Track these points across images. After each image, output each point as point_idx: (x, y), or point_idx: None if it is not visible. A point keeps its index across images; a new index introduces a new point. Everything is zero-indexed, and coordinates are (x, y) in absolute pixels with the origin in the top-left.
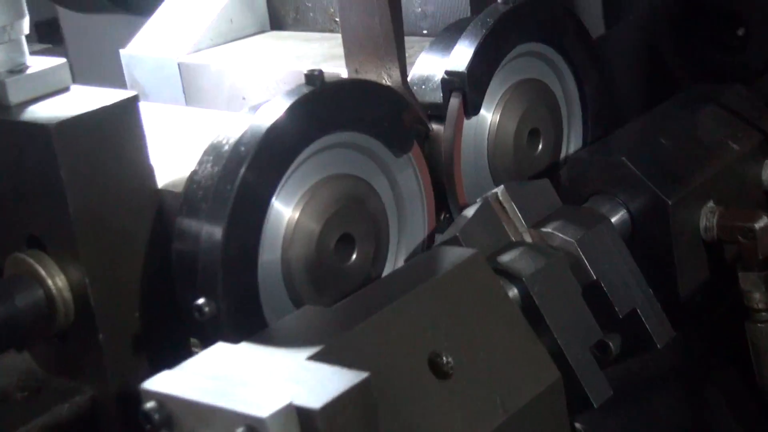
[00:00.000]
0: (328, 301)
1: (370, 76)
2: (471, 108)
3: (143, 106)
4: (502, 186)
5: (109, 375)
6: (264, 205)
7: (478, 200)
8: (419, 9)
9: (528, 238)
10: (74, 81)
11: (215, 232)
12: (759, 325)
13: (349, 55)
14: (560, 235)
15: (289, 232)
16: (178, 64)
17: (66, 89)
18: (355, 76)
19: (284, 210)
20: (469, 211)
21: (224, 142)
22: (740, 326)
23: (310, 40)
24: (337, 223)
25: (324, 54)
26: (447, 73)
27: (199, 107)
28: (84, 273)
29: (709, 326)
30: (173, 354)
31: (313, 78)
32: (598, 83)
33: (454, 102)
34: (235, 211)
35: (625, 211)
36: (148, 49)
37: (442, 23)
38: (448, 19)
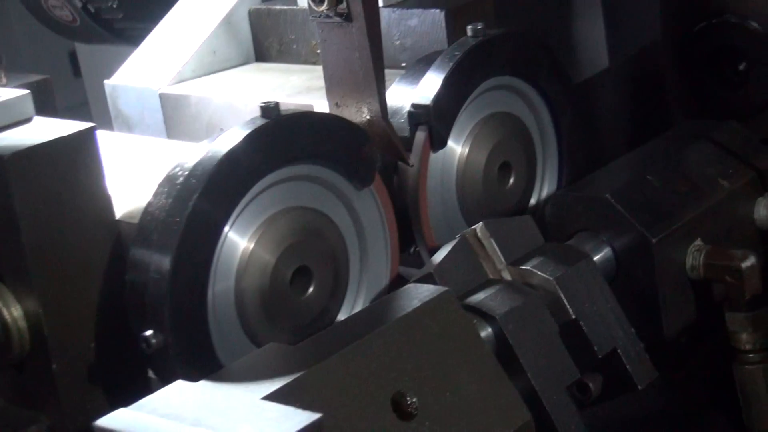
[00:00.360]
0: (283, 333)
1: (351, 109)
2: (437, 141)
3: (112, 137)
4: (481, 222)
5: (63, 404)
6: (215, 237)
7: (457, 236)
8: (398, 42)
9: (507, 276)
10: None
11: (163, 263)
12: (746, 366)
13: (330, 89)
14: (539, 272)
15: (243, 263)
16: (159, 95)
17: (28, 120)
18: (335, 109)
19: (239, 240)
20: (446, 248)
21: (179, 173)
22: (727, 368)
23: (291, 72)
24: (294, 255)
25: (301, 86)
26: (413, 106)
27: (179, 138)
28: (38, 303)
29: (695, 367)
30: (130, 385)
31: (269, 110)
32: (574, 118)
33: (420, 135)
34: (183, 243)
35: (609, 249)
36: (131, 80)
37: (421, 56)
38: (427, 51)
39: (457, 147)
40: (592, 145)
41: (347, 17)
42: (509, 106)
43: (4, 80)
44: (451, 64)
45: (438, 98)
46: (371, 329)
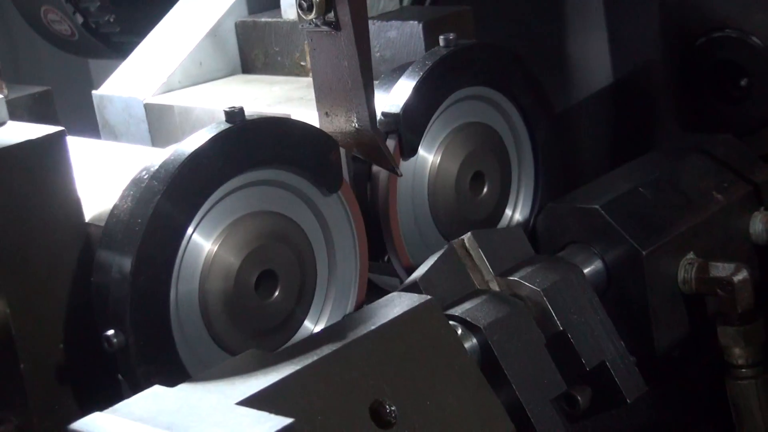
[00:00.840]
0: (248, 336)
1: (340, 119)
2: (407, 149)
3: (90, 144)
4: (469, 233)
5: (31, 405)
6: (178, 238)
7: (445, 246)
8: (378, 53)
9: (495, 287)
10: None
11: (125, 263)
12: (739, 381)
13: (320, 98)
14: (527, 283)
15: (207, 265)
16: (144, 105)
17: (1, 124)
18: (325, 118)
19: (203, 243)
20: (433, 258)
21: (144, 176)
22: (719, 382)
23: (275, 83)
24: (259, 259)
25: (282, 96)
26: (383, 114)
27: (164, 146)
28: (5, 304)
29: (686, 382)
30: (99, 386)
31: (233, 115)
32: (550, 127)
33: (390, 143)
34: (145, 244)
35: (600, 261)
36: (118, 90)
37: None
38: (405, 62)
39: (429, 156)
40: (572, 157)
41: (336, 26)
42: (483, 116)
43: (5, 90)
44: (422, 73)
45: (407, 106)
46: (352, 336)
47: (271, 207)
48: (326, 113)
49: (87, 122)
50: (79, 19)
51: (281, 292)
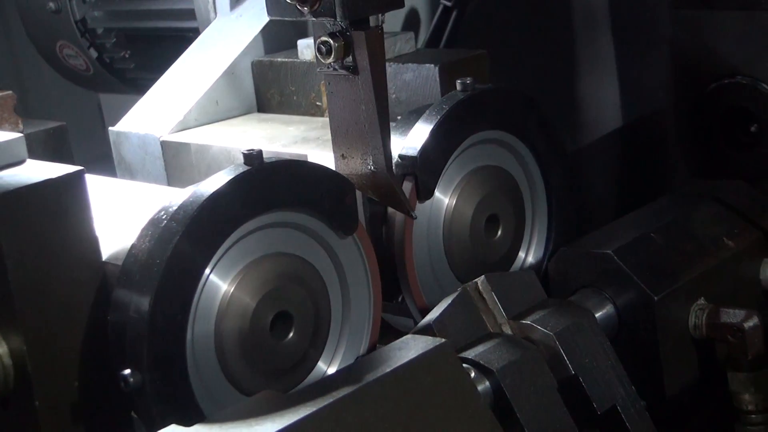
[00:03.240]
0: (262, 377)
1: (356, 161)
2: (424, 192)
3: (106, 182)
4: (483, 276)
5: None
6: (196, 279)
7: (458, 289)
8: (394, 95)
9: (507, 330)
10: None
11: (143, 303)
12: (749, 427)
13: (336, 140)
14: (540, 327)
15: (223, 306)
16: (161, 142)
17: (21, 162)
18: (341, 160)
19: (220, 283)
20: (447, 300)
21: (163, 216)
22: (729, 429)
23: (290, 123)
24: (274, 300)
25: (298, 136)
26: (400, 156)
27: (179, 185)
28: (23, 341)
29: (696, 427)
30: (112, 424)
31: (251, 157)
32: (563, 171)
33: (407, 185)
34: (163, 284)
35: (612, 305)
36: (135, 127)
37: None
38: (421, 105)
39: (444, 198)
40: (583, 201)
41: (354, 70)
42: (498, 160)
43: (21, 127)
44: (439, 116)
45: (425, 149)
46: (367, 379)
47: (287, 249)
48: (342, 155)
49: (97, 157)
50: (94, 54)
51: (296, 333)
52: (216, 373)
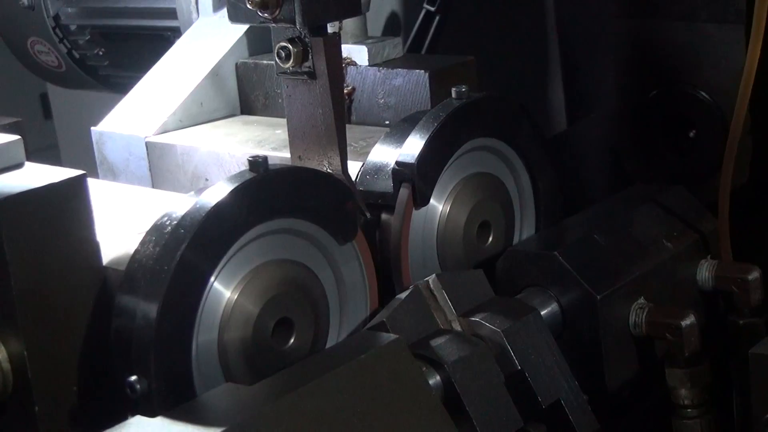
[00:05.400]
0: None
1: (313, 163)
2: (420, 199)
3: (99, 184)
4: (433, 275)
5: None
6: (201, 286)
7: (410, 287)
8: (382, 100)
9: (457, 327)
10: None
11: (150, 310)
12: (685, 421)
13: (293, 142)
14: (488, 324)
15: (227, 314)
16: (146, 143)
17: (19, 165)
18: (298, 162)
19: (224, 291)
20: (400, 298)
21: (167, 223)
22: (667, 421)
23: (276, 125)
24: (276, 306)
25: (285, 140)
26: (397, 163)
27: (164, 186)
28: (23, 346)
29: (635, 420)
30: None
31: (257, 164)
32: (552, 179)
33: (404, 192)
34: (171, 291)
35: (556, 304)
36: (118, 127)
37: (404, 114)
38: (409, 110)
39: (438, 205)
40: (569, 206)
41: (312, 75)
42: (490, 167)
43: None
44: (436, 124)
45: (422, 157)
46: (324, 373)
47: (289, 255)
48: (299, 157)
49: (39, 149)
50: (65, 50)
51: (296, 339)
52: (219, 379)
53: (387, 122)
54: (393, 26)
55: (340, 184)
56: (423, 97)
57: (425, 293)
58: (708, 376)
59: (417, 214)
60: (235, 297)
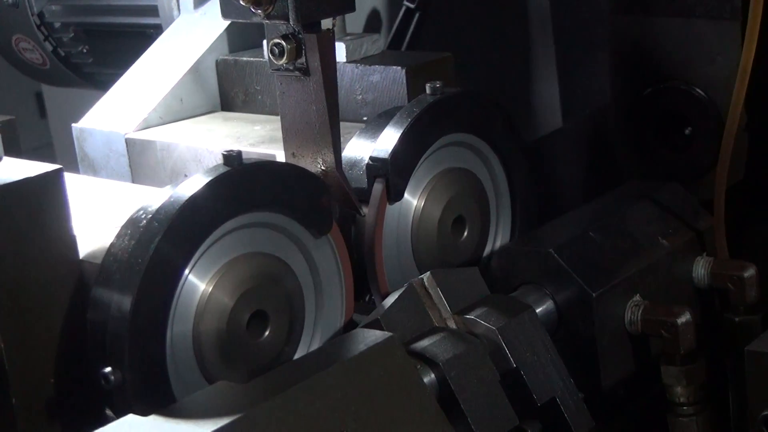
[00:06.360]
0: (239, 375)
1: (306, 160)
2: (394, 194)
3: (79, 179)
4: (428, 272)
5: None
6: (176, 279)
7: (405, 285)
8: (360, 97)
9: (452, 325)
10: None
11: (124, 302)
12: (680, 419)
13: (287, 139)
14: (483, 322)
15: (201, 306)
16: (126, 139)
17: None
18: (292, 159)
19: (198, 283)
20: (394, 295)
21: (143, 216)
22: (662, 419)
23: (256, 122)
24: (251, 299)
25: (264, 136)
26: (371, 158)
27: (143, 182)
28: None
29: (631, 418)
30: (87, 421)
31: (231, 159)
32: (527, 174)
33: (377, 187)
34: (145, 283)
35: (552, 301)
36: (99, 123)
37: (382, 110)
38: (387, 107)
39: (413, 200)
40: (546, 202)
41: (305, 71)
42: (464, 162)
43: None
44: (410, 119)
45: (395, 152)
46: (317, 371)
47: (264, 248)
48: (293, 154)
49: (35, 148)
50: (50, 48)
51: (271, 332)
52: (194, 371)
53: (365, 118)
54: (374, 23)
55: (314, 178)
56: (400, 93)
57: (420, 291)
58: (704, 373)
59: (391, 209)
60: (210, 289)
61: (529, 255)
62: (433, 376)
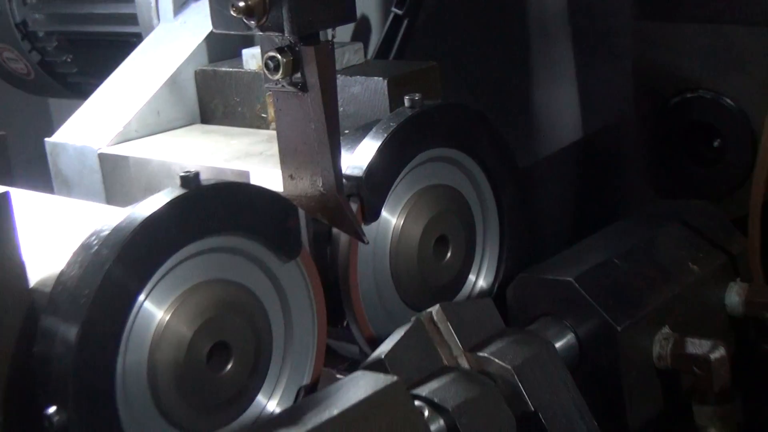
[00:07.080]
0: (197, 411)
1: (305, 182)
2: (369, 213)
3: (38, 198)
4: (437, 305)
5: None
6: (128, 306)
7: (412, 319)
8: (341, 109)
9: (463, 363)
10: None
11: (69, 334)
12: None
13: (284, 161)
14: (497, 360)
15: (157, 335)
16: (99, 155)
17: None
18: (290, 181)
19: (155, 311)
20: (400, 332)
21: (94, 241)
22: None
23: (233, 135)
24: (212, 329)
25: (240, 151)
26: (345, 176)
27: (118, 200)
28: None
29: None
30: None
31: (188, 180)
32: (516, 191)
33: (352, 206)
34: (92, 313)
35: (573, 335)
36: (72, 138)
37: (363, 123)
38: (369, 119)
39: (391, 218)
40: (537, 221)
41: (303, 87)
42: (448, 178)
43: None
44: (386, 134)
45: (370, 169)
46: (316, 420)
47: (227, 275)
48: (291, 176)
49: (44, 167)
50: (35, 58)
51: (234, 365)
52: (148, 407)
53: (346, 131)
54: (362, 30)
55: (280, 199)
56: (382, 105)
57: (428, 326)
58: (740, 413)
59: (368, 229)
60: (168, 318)
61: (548, 284)
62: (442, 422)
